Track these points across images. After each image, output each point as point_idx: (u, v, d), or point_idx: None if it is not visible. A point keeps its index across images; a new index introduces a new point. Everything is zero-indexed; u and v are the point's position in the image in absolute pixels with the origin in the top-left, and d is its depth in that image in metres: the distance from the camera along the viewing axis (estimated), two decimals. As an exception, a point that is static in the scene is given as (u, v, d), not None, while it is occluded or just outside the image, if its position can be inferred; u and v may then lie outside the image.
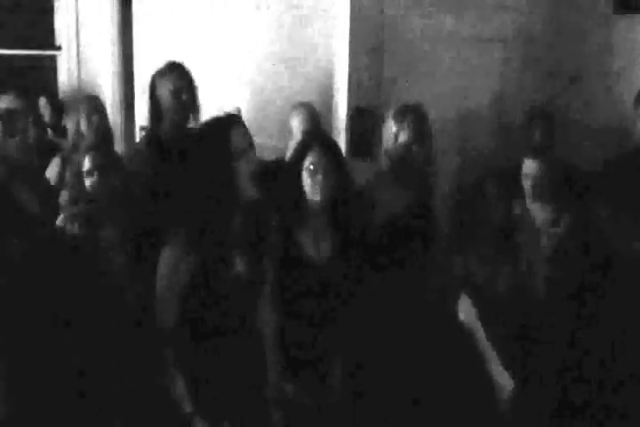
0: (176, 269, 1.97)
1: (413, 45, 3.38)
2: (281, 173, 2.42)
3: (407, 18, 3.32)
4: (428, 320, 2.68)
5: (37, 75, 6.61)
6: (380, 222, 2.65)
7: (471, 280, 2.96)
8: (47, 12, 6.47)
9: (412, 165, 2.73)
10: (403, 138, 2.72)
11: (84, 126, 3.29)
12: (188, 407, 2.02)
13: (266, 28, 3.95)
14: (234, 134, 1.99)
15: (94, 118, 3.29)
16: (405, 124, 2.72)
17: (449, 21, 3.37)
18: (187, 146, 2.73)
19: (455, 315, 2.77)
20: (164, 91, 2.94)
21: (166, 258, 2.00)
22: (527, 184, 3.36)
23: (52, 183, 3.17)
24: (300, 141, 2.48)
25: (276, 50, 3.91)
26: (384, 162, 2.75)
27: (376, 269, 2.56)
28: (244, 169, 1.98)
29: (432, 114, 2.85)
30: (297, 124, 3.39)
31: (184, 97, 2.92)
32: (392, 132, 2.72)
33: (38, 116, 5.55)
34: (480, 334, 2.72)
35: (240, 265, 2.04)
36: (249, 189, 1.98)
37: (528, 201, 3.39)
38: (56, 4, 6.44)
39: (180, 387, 2.02)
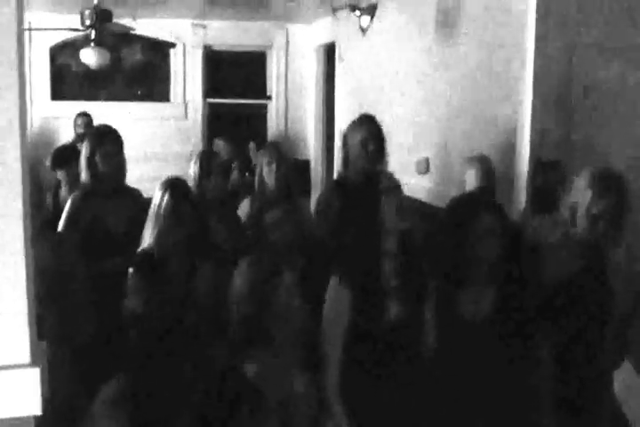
0: (338, 310, 2.07)
1: (603, 96, 3.19)
2: (446, 231, 2.36)
3: (596, 68, 3.17)
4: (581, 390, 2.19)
5: (252, 122, 7.28)
6: (549, 285, 2.39)
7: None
8: (261, 65, 7.15)
9: (594, 239, 2.39)
10: (597, 209, 2.35)
11: (265, 172, 3.51)
12: None
13: (451, 84, 4.03)
14: (381, 177, 2.14)
15: (274, 165, 3.50)
16: (605, 195, 2.35)
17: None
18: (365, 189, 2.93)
19: (610, 384, 2.28)
20: (354, 141, 3.15)
21: (328, 297, 2.09)
22: None
23: (242, 221, 3.48)
24: (467, 203, 2.37)
25: (460, 105, 3.96)
26: (562, 222, 2.44)
27: (534, 334, 2.29)
28: (389, 203, 2.11)
29: (625, 172, 2.56)
30: (471, 179, 3.39)
31: (371, 147, 3.11)
32: (586, 199, 2.35)
33: (245, 160, 6.10)
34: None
35: (394, 308, 2.08)
36: (396, 220, 2.09)
37: None
38: (268, 59, 7.08)
39: (340, 425, 2.04)
